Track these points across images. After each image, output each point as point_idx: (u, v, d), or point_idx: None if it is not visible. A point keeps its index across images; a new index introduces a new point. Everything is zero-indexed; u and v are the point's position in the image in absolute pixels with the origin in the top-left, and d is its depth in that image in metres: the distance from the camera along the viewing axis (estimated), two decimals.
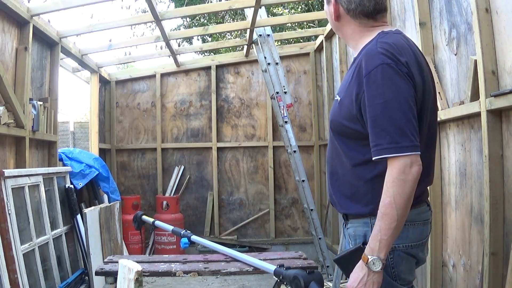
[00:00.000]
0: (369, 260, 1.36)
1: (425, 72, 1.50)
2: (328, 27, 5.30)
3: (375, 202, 1.40)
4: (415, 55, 1.48)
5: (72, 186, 4.19)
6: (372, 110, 1.38)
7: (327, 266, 4.99)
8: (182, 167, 6.16)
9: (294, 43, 8.17)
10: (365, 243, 1.43)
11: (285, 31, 8.63)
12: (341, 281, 4.11)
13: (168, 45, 5.28)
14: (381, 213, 1.36)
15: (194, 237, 2.53)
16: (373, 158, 1.38)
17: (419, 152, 1.37)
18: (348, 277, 1.46)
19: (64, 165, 4.36)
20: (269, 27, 5.30)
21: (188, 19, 10.34)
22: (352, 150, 1.50)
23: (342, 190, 1.55)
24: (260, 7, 4.63)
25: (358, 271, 1.39)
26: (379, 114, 1.36)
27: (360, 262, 1.39)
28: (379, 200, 1.38)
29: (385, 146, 1.35)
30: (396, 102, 1.36)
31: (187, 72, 6.25)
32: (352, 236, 1.54)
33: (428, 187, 1.63)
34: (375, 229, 1.37)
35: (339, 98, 1.53)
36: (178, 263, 1.91)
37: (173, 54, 5.68)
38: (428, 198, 1.65)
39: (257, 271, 1.81)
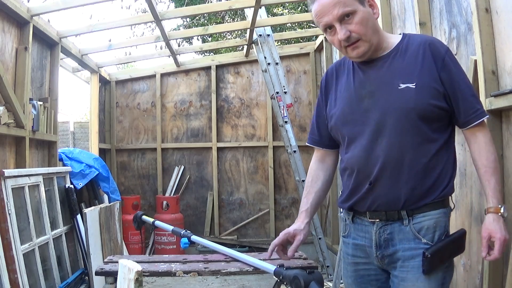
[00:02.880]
0: (502, 209, 1.47)
1: None
2: None
3: (453, 178, 1.56)
4: None
5: (72, 186, 4.19)
6: (464, 81, 1.54)
7: (327, 266, 4.99)
8: (182, 167, 6.16)
9: (294, 43, 8.17)
10: (462, 232, 1.53)
11: (285, 31, 8.64)
12: (341, 281, 4.11)
13: (168, 45, 5.28)
14: (492, 168, 1.51)
15: (194, 237, 2.52)
16: (475, 123, 1.52)
17: None
18: (435, 270, 1.48)
19: (64, 165, 4.35)
20: (269, 27, 5.30)
21: (188, 19, 10.34)
22: (436, 132, 1.53)
23: (426, 181, 1.51)
24: (260, 7, 4.63)
25: (497, 222, 1.47)
26: (470, 84, 1.56)
27: (493, 215, 1.48)
28: (454, 175, 1.57)
29: (483, 110, 1.53)
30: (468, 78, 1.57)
31: (187, 72, 6.25)
32: (430, 228, 1.51)
33: None
34: (491, 184, 1.50)
35: (411, 85, 1.51)
36: (178, 263, 1.91)
37: (173, 54, 5.68)
38: None
39: (257, 271, 1.81)
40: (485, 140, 1.53)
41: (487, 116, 1.55)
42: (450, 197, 1.58)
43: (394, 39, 1.61)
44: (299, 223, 1.77)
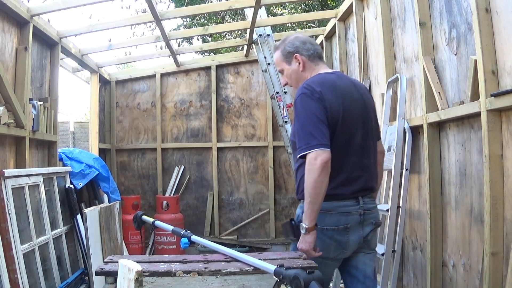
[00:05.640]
0: (301, 226, 1.95)
1: (349, 100, 2.04)
2: (328, 27, 5.30)
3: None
4: (336, 87, 2.03)
5: (72, 186, 4.19)
6: (296, 125, 2.03)
7: None
8: (182, 167, 6.16)
9: None
10: (292, 219, 2.08)
11: (285, 31, 8.63)
12: (341, 281, 4.11)
13: (168, 45, 5.27)
14: (305, 194, 1.93)
15: (194, 237, 2.52)
16: (298, 157, 1.99)
17: (326, 148, 1.90)
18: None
19: (64, 165, 4.35)
20: (269, 27, 5.30)
21: (188, 19, 10.34)
22: (296, 157, 2.07)
23: (296, 185, 2.16)
24: (260, 7, 4.63)
25: (301, 235, 1.97)
26: (299, 127, 2.01)
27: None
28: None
29: (302, 147, 1.94)
30: (306, 118, 1.98)
31: (187, 72, 6.25)
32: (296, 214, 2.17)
33: (364, 188, 2.07)
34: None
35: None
36: (178, 263, 1.90)
37: (173, 54, 5.68)
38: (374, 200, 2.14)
39: (257, 271, 1.81)
40: (305, 170, 1.92)
41: (304, 152, 1.92)
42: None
43: None
44: None
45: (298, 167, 2.10)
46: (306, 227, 1.91)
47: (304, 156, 1.93)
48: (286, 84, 2.27)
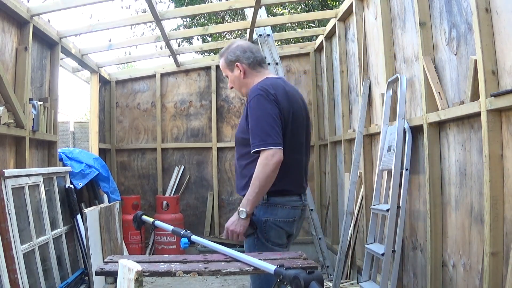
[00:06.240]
0: (239, 210, 2.12)
1: (296, 104, 2.24)
2: (328, 27, 5.30)
3: None
4: (286, 92, 2.22)
5: (72, 186, 4.19)
6: (250, 123, 2.14)
7: (327, 266, 4.98)
8: (182, 167, 6.15)
9: (294, 43, 8.17)
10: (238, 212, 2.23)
11: (285, 31, 8.64)
12: (341, 281, 4.11)
13: (168, 45, 5.27)
14: (252, 182, 2.08)
15: (194, 237, 2.52)
16: (251, 152, 2.12)
17: (281, 148, 2.08)
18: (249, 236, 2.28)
19: (64, 165, 4.35)
20: (269, 27, 5.31)
21: (188, 19, 10.34)
22: (245, 154, 2.22)
23: (241, 182, 2.26)
24: (260, 7, 4.63)
25: (233, 216, 2.16)
26: (253, 125, 2.13)
27: (236, 212, 2.15)
28: None
29: (256, 144, 2.09)
30: (262, 117, 2.12)
31: (187, 72, 6.25)
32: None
33: (303, 186, 2.32)
34: (248, 191, 2.10)
35: (238, 121, 2.25)
36: (178, 263, 1.90)
37: (173, 54, 5.68)
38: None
39: (257, 271, 1.81)
40: (258, 163, 2.07)
41: (257, 149, 2.07)
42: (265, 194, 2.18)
43: (256, 82, 2.27)
44: None
45: (248, 163, 2.21)
46: (247, 213, 2.12)
47: (258, 152, 2.08)
48: (232, 88, 2.45)
